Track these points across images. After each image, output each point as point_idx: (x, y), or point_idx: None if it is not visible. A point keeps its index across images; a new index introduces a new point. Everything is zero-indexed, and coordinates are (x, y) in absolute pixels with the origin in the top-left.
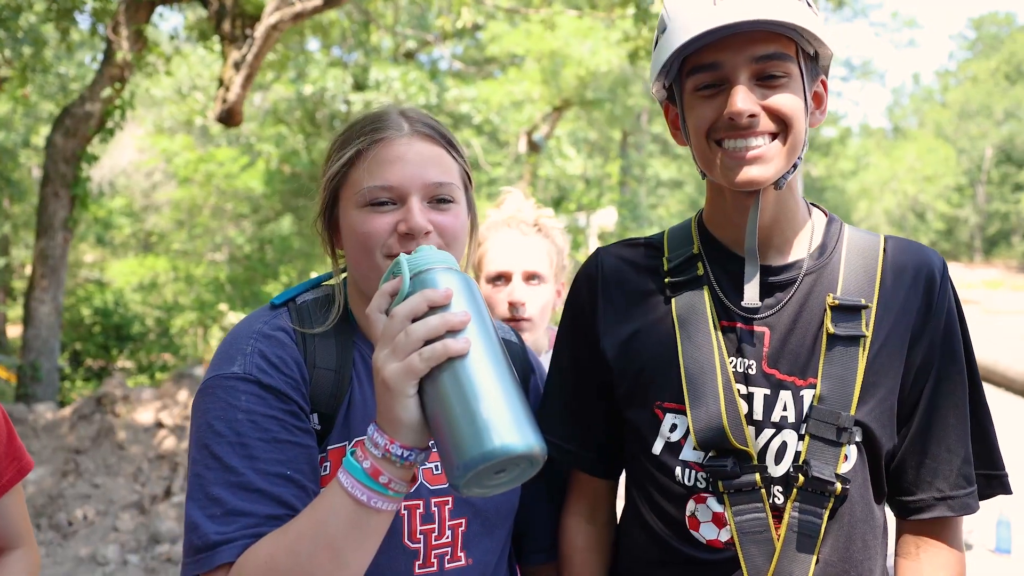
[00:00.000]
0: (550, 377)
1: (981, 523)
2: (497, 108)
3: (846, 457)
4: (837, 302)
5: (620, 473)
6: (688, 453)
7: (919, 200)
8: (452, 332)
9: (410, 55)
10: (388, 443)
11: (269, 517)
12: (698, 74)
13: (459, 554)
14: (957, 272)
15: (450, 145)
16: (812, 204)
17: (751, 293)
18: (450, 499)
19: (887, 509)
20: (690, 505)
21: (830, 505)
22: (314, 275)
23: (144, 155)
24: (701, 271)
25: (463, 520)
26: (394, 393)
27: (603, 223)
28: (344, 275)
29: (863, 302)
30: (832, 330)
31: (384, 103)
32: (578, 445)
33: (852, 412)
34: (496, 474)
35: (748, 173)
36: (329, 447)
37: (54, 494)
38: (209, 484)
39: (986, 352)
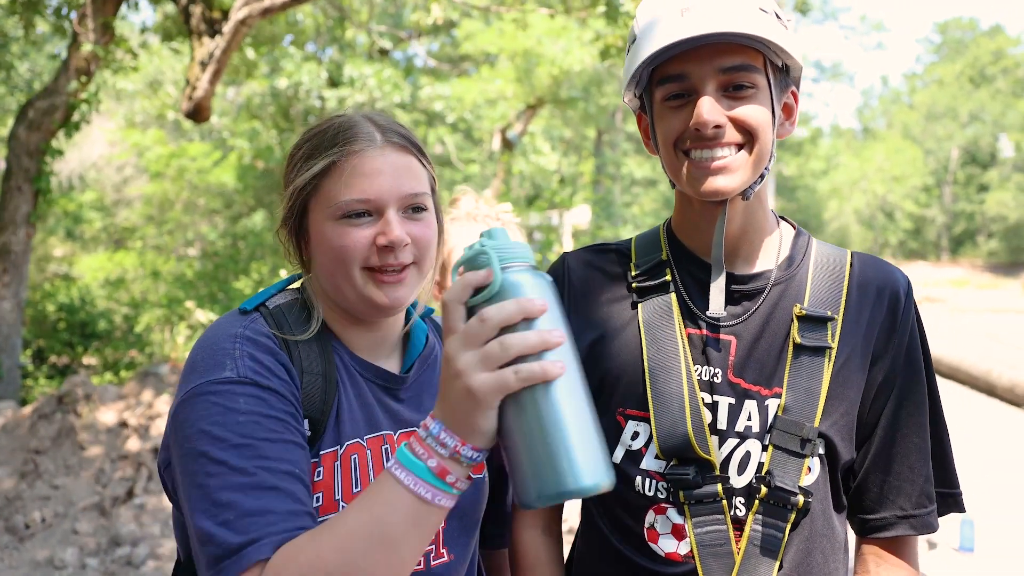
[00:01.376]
0: None
1: (945, 522)
2: (471, 106)
3: (809, 469)
4: (804, 312)
5: None
6: (649, 462)
7: (888, 200)
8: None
9: (385, 52)
10: (459, 445)
11: (290, 513)
12: (666, 84)
13: (442, 551)
14: (924, 271)
15: (420, 152)
16: (781, 217)
17: (716, 302)
18: None
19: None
20: (649, 516)
21: (792, 518)
22: (284, 274)
23: (115, 149)
24: (669, 277)
25: (444, 520)
26: (479, 404)
27: (577, 221)
28: (306, 277)
29: (830, 314)
30: (799, 340)
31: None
32: None
33: (816, 424)
34: None
35: (714, 183)
36: (321, 452)
37: (12, 496)
38: (215, 490)
39: (951, 350)
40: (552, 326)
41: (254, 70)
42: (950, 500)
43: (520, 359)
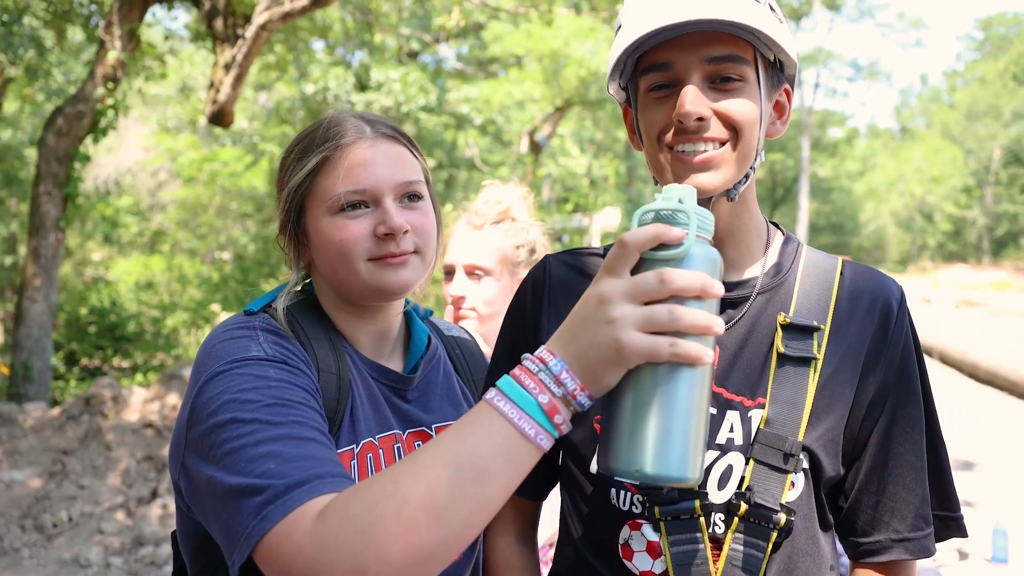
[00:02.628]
0: (485, 387)
1: (977, 532)
2: (499, 108)
3: (792, 484)
4: (788, 321)
5: (548, 494)
6: None
7: (926, 201)
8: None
9: (413, 55)
10: (579, 389)
11: (334, 461)
12: (650, 74)
13: None
14: (965, 274)
15: (410, 143)
16: (771, 223)
17: None
18: None
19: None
20: (624, 532)
21: (773, 537)
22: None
23: (149, 154)
24: None
25: None
26: (620, 360)
27: (606, 224)
28: (307, 281)
29: (815, 324)
30: (782, 349)
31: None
32: None
33: (800, 438)
34: None
35: (695, 178)
36: (338, 451)
37: (40, 495)
38: (251, 447)
39: (990, 355)
40: (715, 312)
41: (284, 72)
42: (950, 523)
43: (678, 334)
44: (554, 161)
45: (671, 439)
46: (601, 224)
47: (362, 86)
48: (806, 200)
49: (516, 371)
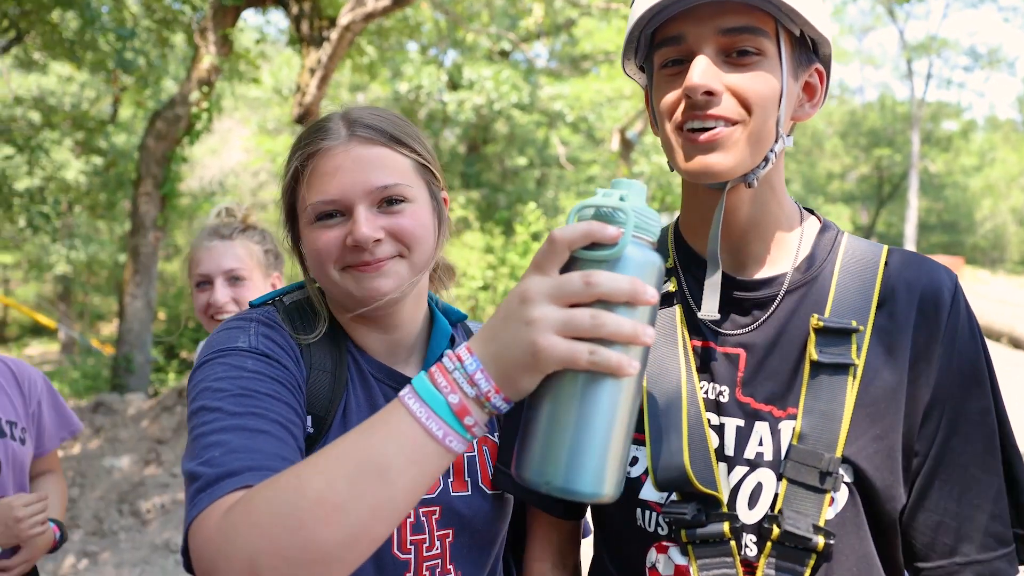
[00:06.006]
0: None
1: None
2: (590, 106)
3: (832, 501)
4: (822, 324)
5: (584, 512)
6: (648, 492)
7: None
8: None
9: (505, 54)
10: (493, 391)
11: (277, 455)
12: (663, 48)
13: (448, 567)
14: None
15: (395, 142)
16: (806, 209)
17: (710, 303)
18: (437, 509)
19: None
20: (651, 555)
21: (811, 562)
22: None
23: (250, 155)
24: (674, 287)
25: (450, 531)
26: (534, 364)
27: None
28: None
29: (854, 324)
30: (816, 356)
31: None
32: None
33: (838, 453)
34: None
35: (703, 160)
36: None
37: (135, 481)
38: (207, 435)
39: None
40: (647, 321)
41: (376, 74)
42: None
43: (601, 341)
44: (646, 159)
45: (586, 452)
46: None
47: (454, 85)
48: (915, 198)
49: (433, 368)
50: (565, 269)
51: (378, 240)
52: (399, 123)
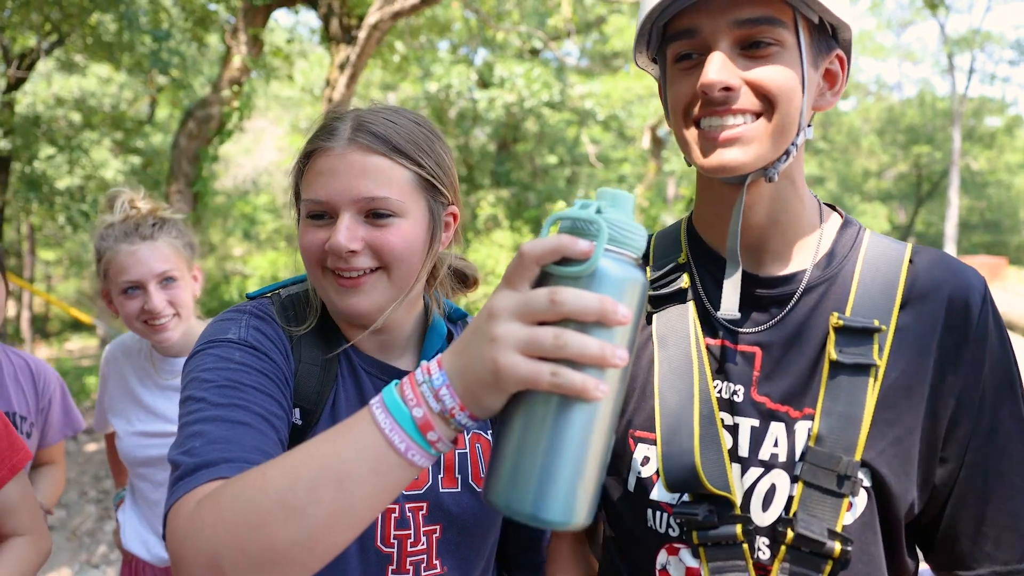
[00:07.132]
0: None
1: None
2: (620, 103)
3: (851, 506)
4: (843, 323)
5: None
6: (659, 492)
7: None
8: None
9: (535, 52)
10: (457, 408)
11: (255, 448)
12: (676, 42)
13: (434, 562)
14: None
15: (397, 152)
16: (827, 205)
17: (729, 301)
18: (425, 505)
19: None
20: (661, 557)
21: (828, 568)
22: None
23: (283, 154)
24: (687, 283)
25: (437, 527)
26: (496, 383)
27: None
28: None
29: (876, 324)
30: (835, 356)
31: (505, 102)
32: None
33: (857, 457)
34: None
35: (722, 156)
36: None
37: None
38: (190, 424)
39: None
40: (620, 343)
41: (407, 73)
42: None
43: (567, 362)
44: (678, 157)
45: (556, 480)
46: None
47: (484, 83)
48: (956, 196)
49: (404, 379)
50: (539, 284)
51: (353, 251)
52: (411, 132)
